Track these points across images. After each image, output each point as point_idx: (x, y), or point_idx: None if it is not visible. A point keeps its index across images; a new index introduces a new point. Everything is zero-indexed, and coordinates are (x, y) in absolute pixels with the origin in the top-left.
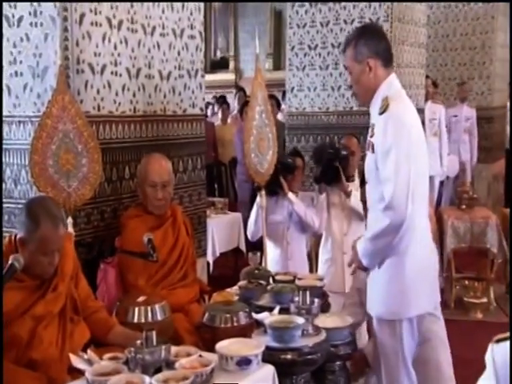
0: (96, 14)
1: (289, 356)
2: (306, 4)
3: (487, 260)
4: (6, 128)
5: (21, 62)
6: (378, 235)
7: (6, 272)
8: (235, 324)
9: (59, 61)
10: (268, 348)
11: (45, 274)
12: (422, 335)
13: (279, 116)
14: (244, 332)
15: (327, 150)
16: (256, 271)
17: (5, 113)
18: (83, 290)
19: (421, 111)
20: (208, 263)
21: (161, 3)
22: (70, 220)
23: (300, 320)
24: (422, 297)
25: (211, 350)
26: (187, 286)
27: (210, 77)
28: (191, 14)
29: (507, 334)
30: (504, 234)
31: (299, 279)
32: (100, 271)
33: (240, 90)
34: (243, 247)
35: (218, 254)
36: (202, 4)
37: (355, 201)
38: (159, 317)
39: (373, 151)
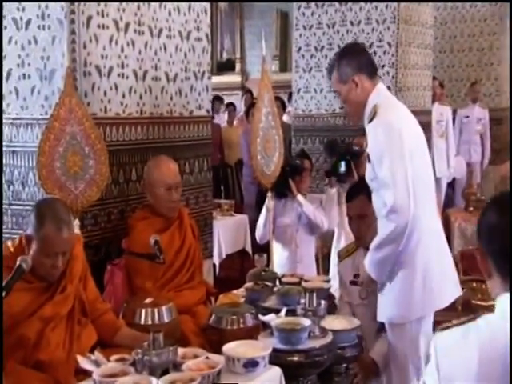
0: (103, 16)
1: (295, 358)
2: (312, 5)
3: None
4: (13, 130)
5: (29, 64)
6: (385, 241)
7: (14, 273)
8: (242, 326)
9: (66, 63)
10: (275, 350)
11: (48, 276)
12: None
13: (284, 118)
14: (250, 334)
15: (339, 144)
16: (262, 273)
17: (12, 115)
18: (91, 292)
19: (427, 113)
20: (214, 265)
21: (167, 5)
22: (76, 222)
23: (307, 322)
24: (430, 297)
25: (218, 351)
26: (194, 287)
27: (216, 79)
28: (198, 16)
29: (453, 323)
30: None
31: (306, 281)
32: (107, 273)
33: (247, 91)
34: (249, 249)
35: (224, 256)
36: (208, 6)
37: None
38: (166, 318)
39: (369, 161)
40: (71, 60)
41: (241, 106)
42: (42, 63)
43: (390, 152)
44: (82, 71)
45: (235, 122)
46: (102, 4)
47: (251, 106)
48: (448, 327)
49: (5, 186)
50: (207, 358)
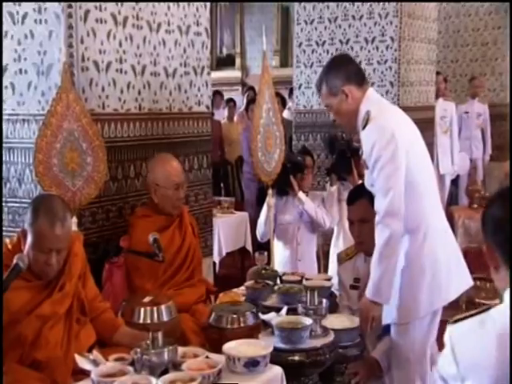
0: (101, 10)
1: (296, 357)
2: None
3: None
4: (10, 126)
5: (25, 59)
6: (384, 248)
7: (11, 271)
8: (242, 325)
9: (64, 58)
10: (275, 349)
11: (42, 273)
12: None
13: (285, 114)
14: (251, 333)
15: (339, 140)
16: (263, 271)
17: (9, 111)
18: (91, 291)
19: (431, 108)
20: (214, 263)
21: None
22: (74, 219)
23: (308, 321)
24: (439, 292)
25: (218, 350)
26: (193, 285)
27: (215, 74)
28: (197, 10)
29: (465, 314)
30: None
31: (307, 279)
32: (105, 271)
33: (249, 88)
34: (250, 247)
35: (224, 254)
36: None
37: None
38: (165, 317)
39: (367, 167)
40: (68, 55)
41: (242, 102)
42: (38, 58)
43: (384, 155)
44: (79, 66)
45: (235, 119)
46: None
47: (251, 101)
48: (460, 319)
49: None
50: (207, 357)
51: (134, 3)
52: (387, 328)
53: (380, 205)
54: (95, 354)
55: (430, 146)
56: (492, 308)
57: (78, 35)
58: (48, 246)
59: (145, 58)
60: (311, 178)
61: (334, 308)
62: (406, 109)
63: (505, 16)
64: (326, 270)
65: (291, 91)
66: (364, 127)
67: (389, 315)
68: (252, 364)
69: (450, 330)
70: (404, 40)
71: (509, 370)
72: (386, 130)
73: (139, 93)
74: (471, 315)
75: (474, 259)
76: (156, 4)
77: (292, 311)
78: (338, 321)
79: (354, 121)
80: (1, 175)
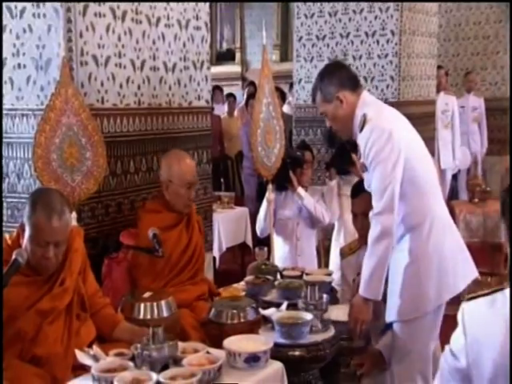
0: (100, 4)
1: (297, 352)
2: None
3: (501, 255)
4: (8, 121)
5: (24, 53)
6: (374, 244)
7: (10, 267)
8: (242, 320)
9: (63, 53)
10: (276, 344)
11: (40, 267)
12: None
13: (285, 108)
14: (251, 328)
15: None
16: (263, 266)
17: (8, 106)
18: (91, 286)
19: (432, 102)
20: (214, 258)
21: None
22: (74, 215)
23: (308, 316)
24: (446, 285)
25: (218, 346)
26: (196, 284)
27: (215, 69)
28: (196, 4)
29: (479, 293)
30: None
31: (307, 274)
32: (104, 267)
33: (250, 83)
34: (250, 242)
35: (224, 249)
36: None
37: None
38: (165, 313)
39: (366, 169)
40: (67, 49)
41: (242, 97)
42: (37, 52)
43: (381, 155)
44: (78, 61)
45: (235, 113)
46: None
47: (251, 96)
48: (475, 297)
49: None
50: (208, 352)
51: None
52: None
53: (375, 203)
54: (95, 350)
55: (431, 140)
56: (506, 289)
57: (76, 29)
58: (45, 238)
59: (144, 53)
60: (310, 173)
61: (334, 303)
62: (406, 103)
63: (506, 9)
64: (326, 265)
65: (291, 86)
66: (361, 130)
67: (392, 312)
68: (253, 359)
69: (463, 306)
70: (405, 34)
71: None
72: (382, 130)
73: (139, 87)
74: (485, 294)
75: (475, 254)
76: None
77: (292, 306)
78: (342, 313)
79: (351, 126)
80: (1, 171)
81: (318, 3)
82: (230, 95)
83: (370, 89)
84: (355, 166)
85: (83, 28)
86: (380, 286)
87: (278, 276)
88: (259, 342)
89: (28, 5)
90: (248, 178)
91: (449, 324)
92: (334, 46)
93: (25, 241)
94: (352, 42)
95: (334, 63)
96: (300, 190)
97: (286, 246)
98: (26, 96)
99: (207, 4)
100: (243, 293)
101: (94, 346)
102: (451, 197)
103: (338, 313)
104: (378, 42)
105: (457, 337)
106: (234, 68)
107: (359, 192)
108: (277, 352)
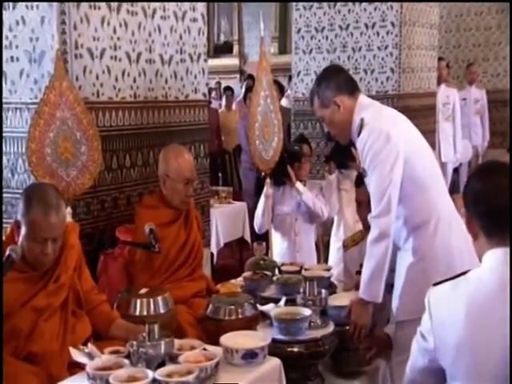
0: None
1: (296, 349)
2: None
3: None
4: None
5: (17, 46)
6: (373, 246)
7: (4, 263)
8: (240, 316)
9: (57, 45)
10: (274, 341)
11: (38, 263)
12: None
13: (283, 102)
14: (249, 324)
15: None
16: (261, 262)
17: None
18: (86, 283)
19: (432, 95)
20: (212, 254)
21: None
22: (69, 210)
23: (307, 312)
24: None
25: (215, 343)
26: (193, 280)
27: (213, 62)
28: None
29: (446, 278)
30: None
31: (306, 270)
32: (100, 263)
33: (248, 77)
34: (248, 237)
35: (222, 245)
36: None
37: None
38: (162, 309)
39: (366, 174)
40: (61, 42)
41: (240, 91)
42: (30, 45)
43: (379, 157)
44: (72, 53)
45: (234, 107)
46: None
47: (249, 89)
48: (441, 282)
49: None
50: (204, 349)
51: None
52: None
53: (374, 205)
54: (90, 347)
55: (432, 133)
56: (470, 272)
57: (70, 21)
58: (43, 235)
59: (140, 45)
60: (309, 167)
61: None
62: (407, 95)
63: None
64: (326, 260)
65: (290, 79)
66: (359, 135)
67: (399, 312)
68: (250, 356)
69: (430, 290)
70: (405, 25)
71: (476, 334)
72: (380, 133)
73: (134, 80)
74: (451, 278)
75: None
76: None
77: (291, 302)
78: (347, 298)
79: (348, 131)
80: (1, 166)
81: None
82: (228, 88)
83: (370, 81)
84: (355, 160)
85: (77, 20)
86: (379, 288)
87: (277, 271)
88: (257, 338)
89: None
90: (246, 172)
91: None
92: (333, 38)
93: (21, 238)
94: (351, 34)
95: (331, 67)
96: (298, 185)
97: (285, 241)
98: (20, 89)
99: None
100: (241, 289)
101: (89, 344)
102: (452, 190)
103: (345, 298)
104: (377, 33)
105: (425, 319)
106: (231, 61)
107: (362, 181)
108: (275, 348)
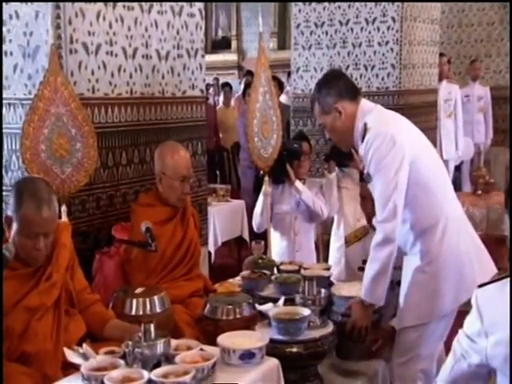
0: None
1: (294, 349)
2: None
3: (505, 248)
4: None
5: (10, 41)
6: (377, 249)
7: None
8: (238, 316)
9: (51, 40)
10: (272, 341)
11: (30, 259)
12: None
13: (282, 98)
14: (247, 324)
15: None
16: (260, 261)
17: None
18: (79, 282)
19: (434, 91)
20: (209, 253)
21: None
22: (64, 208)
23: (306, 311)
24: (464, 284)
25: (212, 343)
26: (190, 279)
27: (210, 57)
28: None
29: (491, 280)
30: None
31: (305, 269)
32: (96, 261)
33: (247, 73)
34: (246, 236)
35: (219, 244)
36: None
37: None
38: (158, 309)
39: (370, 180)
40: (56, 36)
41: (239, 87)
42: (24, 40)
43: (384, 161)
44: (67, 48)
45: (232, 104)
46: None
47: (248, 86)
48: (486, 284)
49: None
50: (201, 349)
51: None
52: None
53: (379, 210)
54: (85, 348)
55: (434, 130)
56: None
57: (65, 16)
58: (35, 230)
59: (136, 40)
60: (308, 165)
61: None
62: (408, 92)
63: None
64: (325, 260)
65: (289, 75)
66: (363, 140)
67: (406, 318)
68: (248, 356)
69: (477, 292)
70: (406, 20)
71: None
72: (384, 136)
73: (131, 76)
74: (496, 280)
75: None
76: None
77: (290, 302)
78: (354, 289)
79: (350, 137)
80: (1, 163)
81: None
82: (226, 85)
83: (370, 77)
84: (354, 159)
85: (72, 14)
86: (382, 292)
87: (275, 270)
88: (254, 339)
89: None
90: (245, 170)
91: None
92: (332, 34)
93: (12, 234)
94: (352, 29)
95: (332, 72)
96: (298, 183)
97: (284, 241)
98: (13, 85)
99: None
100: (239, 288)
101: (84, 345)
102: (454, 188)
103: (351, 289)
104: (378, 28)
105: (472, 321)
106: (230, 56)
107: None
108: (273, 349)
